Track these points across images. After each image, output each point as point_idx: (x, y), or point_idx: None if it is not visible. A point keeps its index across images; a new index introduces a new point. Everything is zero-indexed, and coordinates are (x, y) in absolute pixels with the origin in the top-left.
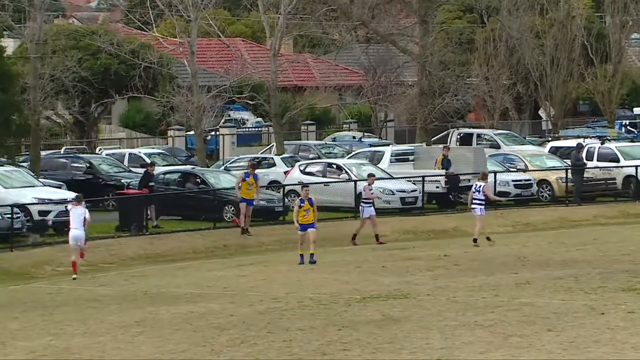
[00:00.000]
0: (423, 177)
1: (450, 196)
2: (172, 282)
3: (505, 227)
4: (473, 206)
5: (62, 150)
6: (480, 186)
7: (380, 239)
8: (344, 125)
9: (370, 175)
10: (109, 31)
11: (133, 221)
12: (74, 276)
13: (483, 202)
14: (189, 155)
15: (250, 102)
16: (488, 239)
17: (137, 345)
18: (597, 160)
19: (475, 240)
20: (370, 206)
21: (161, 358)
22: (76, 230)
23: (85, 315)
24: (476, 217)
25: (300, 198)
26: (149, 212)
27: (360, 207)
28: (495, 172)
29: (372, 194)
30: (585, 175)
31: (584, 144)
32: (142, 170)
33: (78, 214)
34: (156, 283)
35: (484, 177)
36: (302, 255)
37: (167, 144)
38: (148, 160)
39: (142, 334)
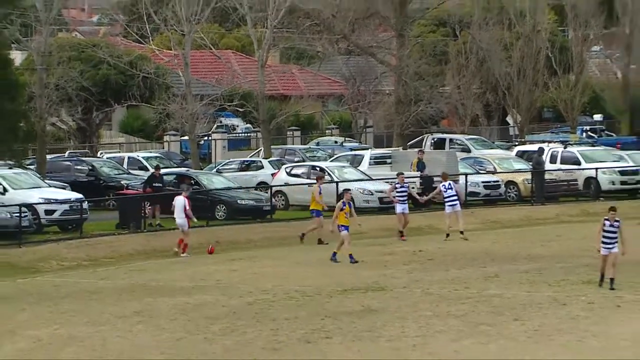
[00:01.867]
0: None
1: (425, 196)
2: (168, 275)
3: (475, 225)
4: (450, 204)
5: (66, 154)
6: (449, 185)
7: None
8: (327, 131)
9: (400, 174)
10: (109, 44)
11: (132, 219)
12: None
13: (456, 199)
14: (184, 158)
15: (240, 110)
16: (447, 235)
17: (136, 333)
18: (561, 163)
19: (462, 233)
20: (405, 202)
21: (158, 345)
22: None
23: (88, 306)
24: (456, 213)
25: (342, 201)
26: (153, 211)
27: (395, 205)
28: (466, 174)
29: (404, 191)
30: (549, 176)
31: (544, 148)
32: (140, 172)
33: (179, 204)
34: (153, 277)
35: (445, 177)
36: (351, 255)
37: (163, 148)
38: (146, 164)
39: (141, 323)
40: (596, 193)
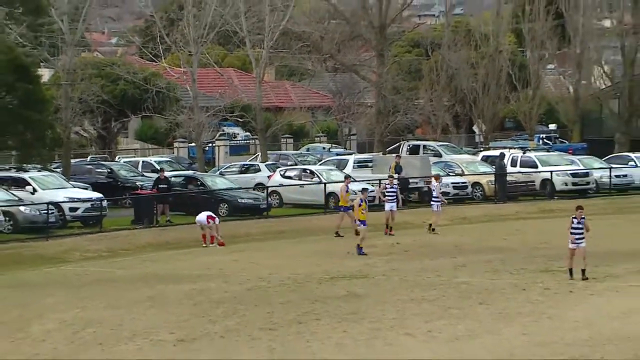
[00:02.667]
0: (380, 180)
1: (402, 196)
2: (177, 265)
3: (445, 221)
4: (431, 203)
5: (88, 159)
6: (434, 186)
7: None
8: (316, 138)
9: (390, 176)
10: (126, 62)
11: (145, 216)
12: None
13: (438, 200)
14: (191, 162)
15: (240, 120)
16: (432, 229)
17: (148, 316)
18: (520, 167)
19: (432, 230)
20: (439, 202)
21: (167, 326)
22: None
23: (106, 292)
24: (433, 212)
25: (360, 198)
26: (162, 209)
27: (432, 204)
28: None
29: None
30: (510, 178)
31: (506, 154)
32: (153, 175)
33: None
34: (164, 266)
35: (437, 178)
36: (362, 248)
37: (173, 153)
38: (158, 167)
39: (153, 307)
40: (551, 193)
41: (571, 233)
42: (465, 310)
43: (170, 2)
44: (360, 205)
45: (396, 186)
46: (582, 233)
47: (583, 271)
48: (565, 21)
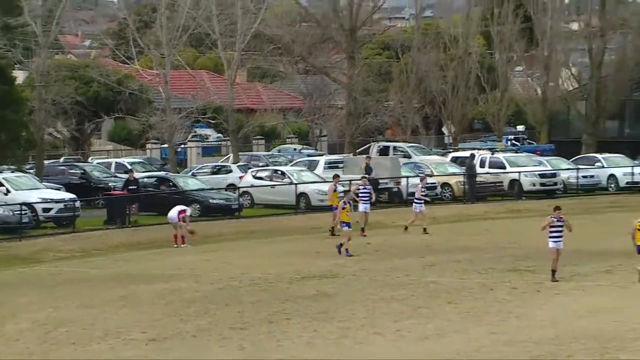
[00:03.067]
0: (350, 181)
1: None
2: (149, 265)
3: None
4: (415, 203)
5: (61, 160)
6: (423, 187)
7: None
8: (287, 139)
9: (363, 177)
10: (99, 65)
11: (118, 216)
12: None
13: (420, 201)
14: (163, 163)
15: (212, 121)
16: (406, 228)
17: (121, 315)
18: (489, 167)
19: (405, 228)
20: (367, 202)
21: (139, 325)
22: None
23: (79, 292)
24: (418, 212)
25: (344, 200)
26: (132, 208)
27: (414, 205)
28: (407, 177)
29: (422, 192)
30: (479, 179)
31: (476, 155)
32: (125, 176)
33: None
34: (136, 266)
35: (422, 179)
36: (342, 246)
37: (145, 154)
38: (130, 168)
39: (125, 306)
40: (519, 193)
41: (552, 233)
42: (434, 309)
43: (143, 4)
44: (344, 208)
45: (369, 187)
46: (562, 232)
47: (554, 271)
48: (534, 24)
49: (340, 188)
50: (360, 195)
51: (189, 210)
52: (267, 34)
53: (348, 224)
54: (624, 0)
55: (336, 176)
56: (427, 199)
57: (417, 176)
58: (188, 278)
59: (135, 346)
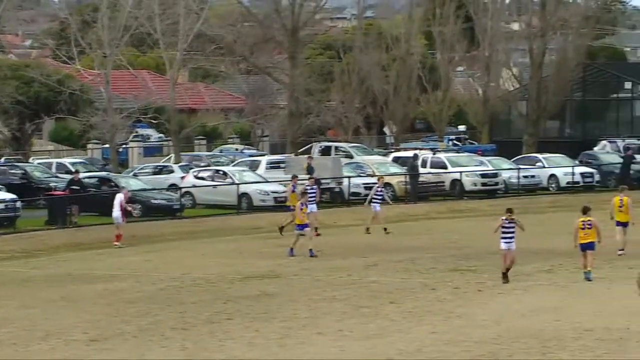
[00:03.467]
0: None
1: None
2: (90, 265)
3: (356, 221)
4: (372, 202)
5: (2, 160)
6: (380, 187)
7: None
8: (229, 140)
9: (311, 177)
10: (40, 64)
11: (59, 217)
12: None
13: (377, 201)
14: (105, 164)
15: (154, 121)
16: (367, 229)
17: (62, 316)
18: (430, 167)
19: (367, 230)
20: (314, 202)
21: (81, 325)
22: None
23: (20, 292)
24: (375, 211)
25: (301, 202)
26: (72, 210)
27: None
28: (349, 177)
29: (380, 191)
30: (420, 179)
31: (419, 155)
32: (67, 176)
33: (116, 200)
34: (78, 266)
35: (380, 179)
36: (291, 249)
37: (87, 155)
38: (72, 168)
39: (66, 307)
40: (461, 193)
41: (503, 234)
42: (376, 309)
43: (84, 4)
44: (301, 209)
45: (316, 187)
46: (513, 234)
47: (505, 273)
48: (475, 24)
49: (267, 188)
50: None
51: (127, 191)
52: (209, 34)
53: (304, 226)
54: (564, 0)
55: (295, 177)
56: (380, 199)
57: (360, 175)
58: (129, 278)
59: (77, 347)
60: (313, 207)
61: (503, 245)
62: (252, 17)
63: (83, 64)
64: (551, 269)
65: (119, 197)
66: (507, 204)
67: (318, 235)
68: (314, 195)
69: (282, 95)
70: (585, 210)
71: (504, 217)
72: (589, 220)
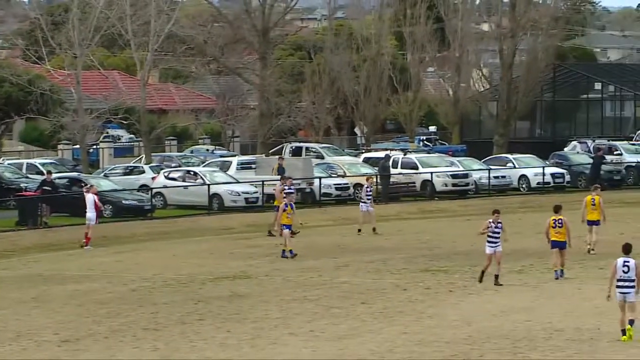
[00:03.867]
0: (263, 181)
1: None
2: (61, 266)
3: (327, 222)
4: (362, 203)
5: None
6: (368, 187)
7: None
8: (200, 140)
9: (288, 178)
10: (10, 64)
11: (30, 217)
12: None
13: (367, 201)
14: (75, 164)
15: (125, 122)
16: (359, 230)
17: (33, 317)
18: (401, 168)
19: (359, 230)
20: (368, 203)
21: (52, 326)
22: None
23: None
24: (363, 212)
25: (285, 202)
26: (44, 210)
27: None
28: (320, 178)
29: (369, 192)
30: (391, 179)
31: (390, 155)
32: (37, 177)
33: (89, 200)
34: (48, 267)
35: (368, 179)
36: (286, 251)
37: (57, 155)
38: (43, 169)
39: (37, 307)
40: (431, 193)
41: (489, 237)
42: (347, 309)
43: (55, 4)
44: (285, 210)
45: (293, 188)
46: (499, 237)
47: (496, 277)
48: (445, 25)
49: (238, 188)
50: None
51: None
52: (180, 34)
53: (289, 227)
54: (534, 1)
55: (288, 178)
56: (369, 199)
57: (331, 176)
58: (101, 279)
59: (48, 348)
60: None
61: (488, 250)
62: (222, 17)
63: (53, 64)
64: (522, 269)
65: (92, 197)
66: (477, 205)
67: (294, 234)
68: (291, 194)
69: (253, 95)
70: (557, 209)
71: (490, 220)
72: (560, 218)
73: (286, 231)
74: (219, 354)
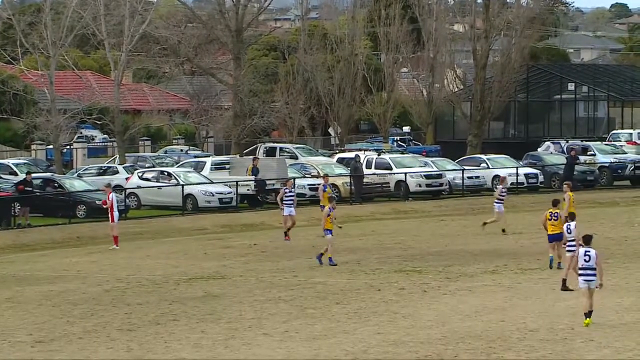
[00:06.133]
0: (237, 182)
1: (259, 197)
2: (35, 267)
3: (301, 222)
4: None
5: None
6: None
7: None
8: (174, 141)
9: (288, 180)
10: None
11: (2, 218)
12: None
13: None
14: (49, 165)
15: (98, 122)
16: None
17: (7, 317)
18: (375, 168)
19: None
20: (292, 206)
21: (26, 327)
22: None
23: None
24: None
25: (329, 207)
26: (23, 211)
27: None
28: (294, 178)
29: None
30: (365, 180)
31: (361, 155)
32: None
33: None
34: (22, 268)
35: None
36: (324, 255)
37: (31, 155)
38: (16, 170)
39: (11, 308)
40: (405, 194)
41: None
42: (321, 310)
43: (28, 4)
44: (328, 216)
45: (294, 191)
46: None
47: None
48: (420, 26)
49: (212, 189)
50: (285, 199)
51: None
52: (154, 34)
53: (330, 231)
54: (507, 2)
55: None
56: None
57: (305, 176)
58: (75, 279)
59: (22, 348)
60: (291, 211)
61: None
62: (196, 17)
63: (26, 64)
64: (496, 269)
65: (114, 196)
66: (451, 205)
67: (287, 239)
68: (292, 198)
69: (227, 96)
70: (555, 203)
71: (550, 211)
72: (556, 212)
73: (329, 236)
74: (193, 354)
